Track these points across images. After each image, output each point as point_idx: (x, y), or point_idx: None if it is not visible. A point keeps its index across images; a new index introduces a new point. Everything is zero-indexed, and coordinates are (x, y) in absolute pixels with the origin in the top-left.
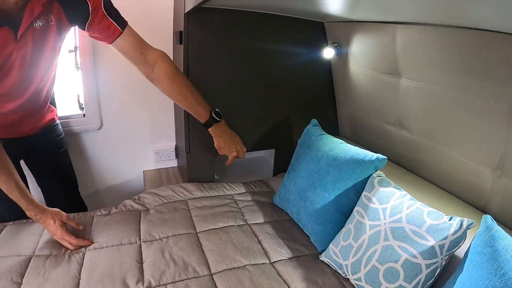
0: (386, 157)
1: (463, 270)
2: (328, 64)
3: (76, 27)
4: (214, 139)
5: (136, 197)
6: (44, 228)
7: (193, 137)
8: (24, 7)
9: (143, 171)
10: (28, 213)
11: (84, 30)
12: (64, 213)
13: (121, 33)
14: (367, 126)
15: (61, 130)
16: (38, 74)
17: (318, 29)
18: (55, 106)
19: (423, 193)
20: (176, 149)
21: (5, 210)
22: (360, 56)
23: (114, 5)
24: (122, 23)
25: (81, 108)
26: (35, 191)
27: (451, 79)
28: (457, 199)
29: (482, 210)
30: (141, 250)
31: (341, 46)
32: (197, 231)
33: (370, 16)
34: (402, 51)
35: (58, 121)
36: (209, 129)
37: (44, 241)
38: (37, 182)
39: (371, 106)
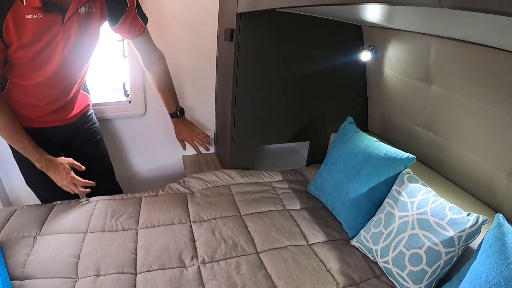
0: (415, 157)
1: (476, 258)
2: (363, 65)
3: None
4: (174, 127)
5: (181, 180)
6: (94, 208)
7: (238, 128)
8: None
9: (182, 156)
10: (38, 164)
11: (116, 24)
12: (69, 158)
13: (144, 31)
14: (396, 125)
15: (95, 119)
16: (78, 59)
17: (356, 32)
18: (88, 93)
19: (444, 191)
20: (215, 136)
21: (47, 196)
22: (395, 61)
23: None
24: (145, 22)
25: (127, 95)
26: None
27: (480, 92)
28: (474, 198)
29: (496, 209)
30: (192, 230)
31: (377, 49)
32: (241, 214)
33: (407, 27)
34: (436, 61)
35: (92, 110)
36: (171, 119)
37: (95, 219)
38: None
39: (401, 107)
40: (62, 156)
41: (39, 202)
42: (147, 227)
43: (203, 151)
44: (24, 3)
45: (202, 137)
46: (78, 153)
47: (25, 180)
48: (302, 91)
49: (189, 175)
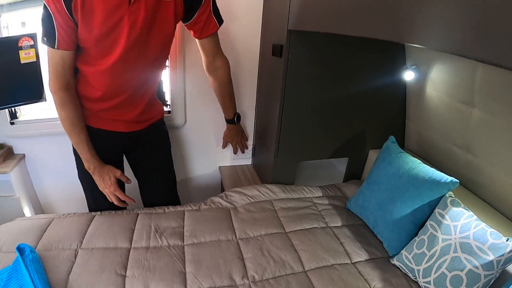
0: (458, 181)
1: None
2: (403, 83)
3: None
4: (226, 130)
5: (222, 194)
6: (136, 222)
7: (282, 143)
8: None
9: (219, 166)
10: (87, 165)
11: (190, 20)
12: (118, 170)
13: (216, 31)
14: (434, 145)
15: (167, 129)
16: (144, 50)
17: (399, 50)
18: (164, 104)
19: (481, 213)
20: (254, 148)
21: (92, 201)
22: (438, 82)
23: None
24: (220, 22)
25: (167, 105)
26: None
27: None
28: (509, 221)
29: None
30: (239, 247)
31: (420, 69)
32: (286, 231)
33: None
34: (480, 85)
35: (163, 121)
36: (227, 124)
37: (138, 234)
38: (135, 176)
39: (441, 127)
40: (123, 161)
41: (69, 209)
42: (193, 244)
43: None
44: None
45: (245, 142)
46: (141, 161)
47: (78, 175)
48: (343, 109)
49: (227, 186)
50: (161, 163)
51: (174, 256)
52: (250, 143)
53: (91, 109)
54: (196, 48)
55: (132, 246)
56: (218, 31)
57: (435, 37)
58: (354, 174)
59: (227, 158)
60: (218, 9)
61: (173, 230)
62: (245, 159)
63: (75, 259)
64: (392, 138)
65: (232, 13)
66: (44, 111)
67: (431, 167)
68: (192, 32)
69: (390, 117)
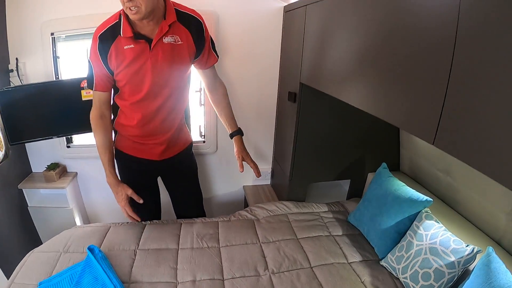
0: (432, 200)
1: (469, 278)
2: None
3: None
4: (235, 148)
5: (248, 209)
6: (180, 229)
7: (295, 169)
8: (156, 27)
9: (243, 186)
10: (107, 180)
11: (197, 57)
12: (130, 189)
13: (216, 62)
14: (422, 169)
15: (193, 155)
16: (166, 83)
17: None
18: (190, 135)
19: (458, 225)
20: (272, 172)
21: (145, 212)
22: None
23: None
24: (217, 55)
25: (202, 136)
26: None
27: None
28: (481, 232)
29: (498, 242)
30: (262, 249)
31: None
32: (298, 237)
33: None
34: None
35: (190, 150)
36: (234, 137)
37: (183, 238)
38: (169, 194)
39: (427, 154)
40: (157, 184)
41: (111, 219)
42: (227, 246)
43: (263, 182)
44: (121, 35)
45: (253, 162)
46: (172, 183)
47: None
48: (346, 139)
49: (251, 202)
50: (189, 184)
51: (213, 254)
52: (269, 167)
53: (130, 138)
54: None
55: (179, 247)
56: (241, 74)
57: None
58: (355, 193)
59: (250, 179)
60: (214, 45)
61: (210, 236)
62: (265, 180)
63: (135, 257)
64: (384, 164)
65: (254, 63)
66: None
67: (421, 187)
68: (196, 65)
69: (387, 145)
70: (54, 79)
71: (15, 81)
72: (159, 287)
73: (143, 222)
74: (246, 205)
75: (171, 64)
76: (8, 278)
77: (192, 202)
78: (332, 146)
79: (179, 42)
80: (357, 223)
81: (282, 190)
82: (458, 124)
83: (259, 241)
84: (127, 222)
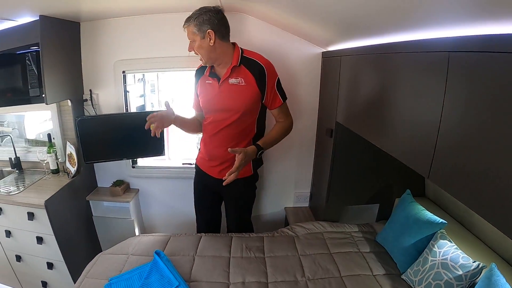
0: (446, 222)
1: None
2: None
3: None
4: (248, 148)
5: (289, 227)
6: (231, 241)
7: (332, 194)
8: (225, 69)
9: (285, 207)
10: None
11: (264, 98)
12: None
13: (281, 105)
14: (444, 194)
15: (251, 191)
16: (227, 115)
17: None
18: (257, 166)
19: (470, 244)
20: (311, 195)
21: (203, 225)
22: None
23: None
24: (284, 98)
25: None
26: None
27: None
28: (491, 251)
29: (507, 260)
30: (300, 260)
31: None
32: (331, 252)
33: None
34: None
35: (248, 183)
36: (253, 146)
37: (234, 248)
38: (225, 209)
39: None
40: (219, 199)
41: (165, 231)
42: (271, 256)
43: (302, 204)
44: (205, 74)
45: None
46: (226, 203)
47: (194, 205)
48: (376, 168)
49: (292, 222)
50: (241, 210)
51: (259, 262)
52: (307, 191)
53: (202, 154)
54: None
55: (231, 256)
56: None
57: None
58: (383, 216)
59: (291, 201)
60: (282, 88)
61: (257, 247)
62: (304, 202)
63: (194, 262)
64: (408, 191)
65: (296, 101)
66: (156, 161)
67: (442, 211)
68: (265, 104)
69: (414, 173)
70: (124, 111)
71: (89, 109)
72: (215, 286)
73: (198, 234)
74: (286, 223)
75: (234, 101)
76: (72, 276)
77: (241, 219)
78: (364, 174)
79: (243, 84)
80: (383, 242)
81: (319, 212)
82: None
83: (298, 253)
84: (185, 234)
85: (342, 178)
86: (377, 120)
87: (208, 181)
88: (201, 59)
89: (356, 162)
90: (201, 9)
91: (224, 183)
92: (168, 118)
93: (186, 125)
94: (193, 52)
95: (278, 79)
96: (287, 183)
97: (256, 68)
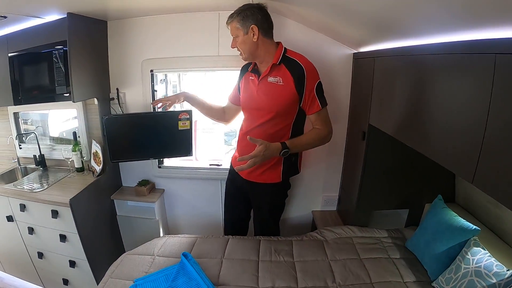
0: (480, 229)
1: None
2: None
3: None
4: (272, 144)
5: (318, 231)
6: (259, 244)
7: (362, 198)
8: (266, 67)
9: (312, 211)
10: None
11: (302, 100)
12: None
13: (319, 111)
14: (474, 201)
15: (279, 198)
16: (262, 113)
17: None
18: (289, 173)
19: (502, 252)
20: (339, 198)
21: (228, 226)
22: None
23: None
24: (323, 104)
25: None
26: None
27: None
28: None
29: None
30: (330, 265)
31: None
32: (361, 257)
33: None
34: None
35: (279, 190)
36: (279, 143)
37: (262, 252)
38: (253, 212)
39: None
40: (248, 201)
41: (189, 232)
42: (300, 261)
43: (330, 208)
44: (249, 70)
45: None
46: (253, 206)
47: (224, 204)
48: (407, 172)
49: (320, 226)
50: (268, 214)
51: (288, 266)
52: (336, 194)
53: (237, 152)
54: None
55: (259, 259)
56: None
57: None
58: (413, 221)
59: (319, 204)
60: (323, 93)
61: (286, 251)
62: (332, 206)
63: (222, 265)
64: (439, 196)
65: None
66: (183, 161)
67: (472, 217)
68: (303, 108)
69: (443, 178)
70: (152, 110)
71: (115, 108)
72: None
73: (225, 236)
74: (313, 227)
75: (269, 100)
76: (94, 274)
77: (268, 223)
78: (394, 178)
79: (280, 83)
80: (413, 248)
81: (348, 216)
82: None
83: (327, 258)
84: (212, 236)
85: (373, 182)
86: (416, 123)
87: (238, 181)
88: (241, 55)
89: (387, 166)
90: (244, 5)
91: (235, 169)
92: (175, 97)
93: (204, 106)
94: (236, 48)
95: (320, 83)
96: (316, 186)
97: (296, 69)
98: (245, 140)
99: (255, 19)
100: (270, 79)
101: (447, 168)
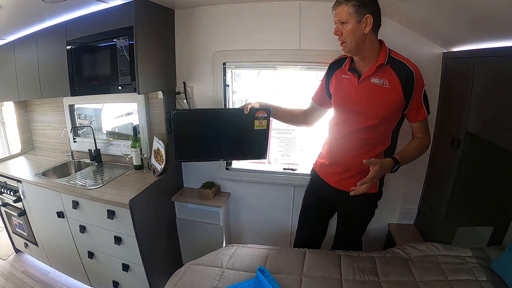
0: None
1: None
2: None
3: None
4: (386, 160)
5: (400, 247)
6: (340, 260)
7: (448, 215)
8: (368, 66)
9: (388, 223)
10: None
11: (407, 107)
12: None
13: (424, 118)
14: None
15: (371, 210)
16: (362, 117)
17: None
18: (383, 183)
19: None
20: (418, 212)
21: (302, 237)
22: None
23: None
24: (428, 111)
25: None
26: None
27: None
28: None
29: None
30: (419, 286)
31: None
32: (448, 279)
33: None
34: None
35: (373, 202)
36: (392, 159)
37: (345, 269)
38: (337, 223)
39: None
40: (332, 210)
41: (251, 241)
42: (385, 281)
43: (407, 222)
44: (342, 67)
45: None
46: (339, 216)
47: (300, 213)
48: (495, 187)
49: (398, 241)
50: (356, 224)
51: (375, 287)
52: (415, 207)
53: (322, 158)
54: None
55: (342, 278)
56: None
57: None
58: (496, 240)
59: (395, 217)
60: (427, 99)
61: (370, 270)
62: (409, 219)
63: (301, 282)
64: None
65: None
66: (253, 164)
67: None
68: (406, 115)
69: None
70: (223, 106)
71: (181, 103)
72: None
73: (301, 249)
74: (388, 241)
75: (374, 103)
76: (149, 280)
77: (349, 242)
78: (484, 193)
79: (386, 86)
80: (500, 270)
81: (429, 231)
82: None
83: (415, 279)
84: (285, 248)
85: (464, 196)
86: None
87: (323, 190)
88: (343, 45)
89: (480, 178)
90: None
91: (351, 193)
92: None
93: (284, 113)
94: (338, 36)
95: (425, 88)
96: (394, 197)
97: (404, 72)
98: (338, 146)
99: (372, 9)
100: (374, 80)
101: None
